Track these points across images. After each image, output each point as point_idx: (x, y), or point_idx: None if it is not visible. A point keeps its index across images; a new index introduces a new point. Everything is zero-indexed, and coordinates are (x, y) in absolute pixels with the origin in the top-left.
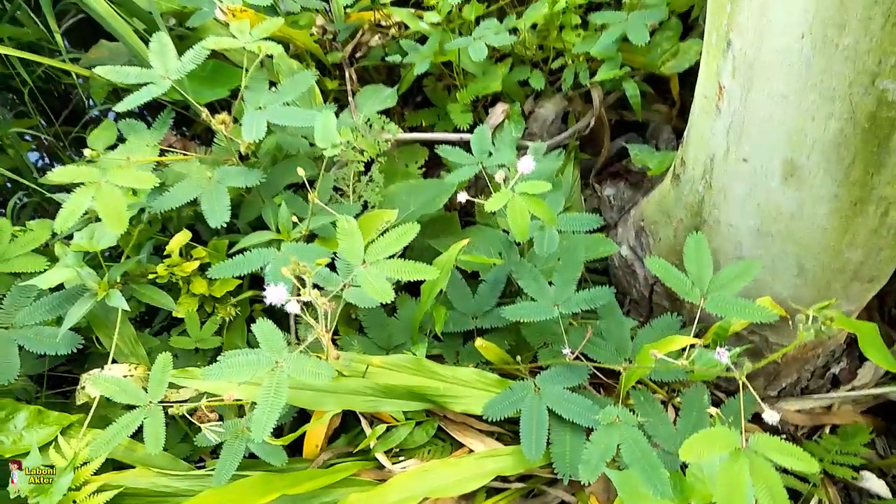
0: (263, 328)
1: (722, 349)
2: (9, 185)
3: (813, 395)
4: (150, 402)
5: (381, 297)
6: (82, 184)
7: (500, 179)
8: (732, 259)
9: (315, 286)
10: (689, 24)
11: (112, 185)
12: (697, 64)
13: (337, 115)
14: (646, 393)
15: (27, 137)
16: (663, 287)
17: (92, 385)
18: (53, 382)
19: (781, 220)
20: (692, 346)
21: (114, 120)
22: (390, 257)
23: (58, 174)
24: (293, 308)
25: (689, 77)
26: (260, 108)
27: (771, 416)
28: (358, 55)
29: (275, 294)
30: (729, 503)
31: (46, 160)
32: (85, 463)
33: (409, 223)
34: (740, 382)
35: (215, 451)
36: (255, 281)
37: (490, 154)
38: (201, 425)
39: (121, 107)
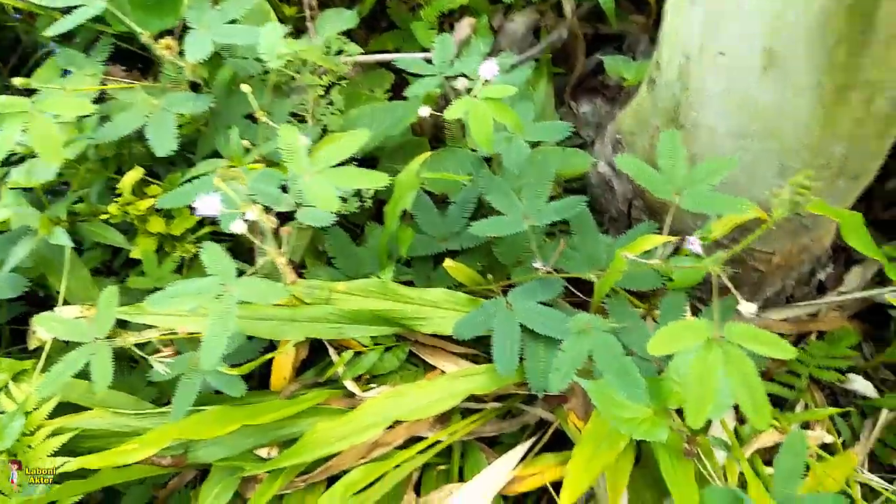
0: (210, 252)
1: (693, 238)
2: None
3: (799, 303)
4: (96, 339)
5: (326, 206)
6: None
7: (461, 87)
8: None
9: (265, 208)
10: None
11: (43, 114)
12: None
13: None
14: (620, 299)
15: None
16: (642, 201)
17: (39, 326)
18: (15, 337)
19: (762, 116)
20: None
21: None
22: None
23: None
24: (239, 228)
25: None
26: (204, 27)
27: (747, 307)
28: None
29: (205, 204)
30: (699, 395)
31: None
32: (37, 408)
33: (359, 132)
34: (714, 276)
35: None
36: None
37: (453, 65)
38: (149, 359)
39: (50, 31)
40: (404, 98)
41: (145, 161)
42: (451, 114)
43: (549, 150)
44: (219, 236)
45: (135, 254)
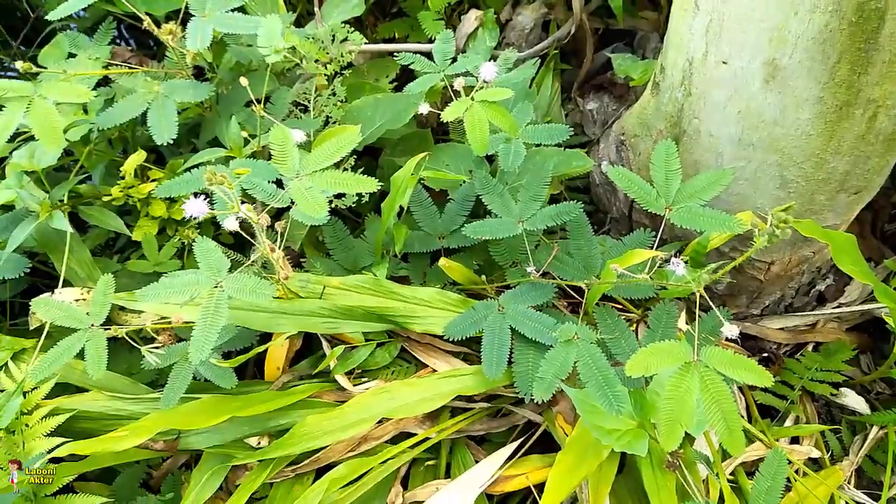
0: (202, 247)
1: (677, 260)
2: None
3: (797, 313)
4: (92, 325)
5: (313, 212)
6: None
7: (459, 87)
8: (714, 170)
9: (260, 203)
10: None
11: (45, 100)
12: None
13: (301, 25)
14: (609, 309)
15: None
16: None
17: (37, 309)
18: (21, 310)
19: (763, 127)
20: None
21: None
22: (332, 168)
23: None
24: (232, 225)
25: None
26: (204, 15)
27: (730, 330)
28: None
29: (193, 207)
30: (674, 418)
31: None
32: (36, 387)
33: (350, 131)
34: (697, 295)
35: None
36: None
37: (455, 61)
38: (142, 349)
39: (53, 15)
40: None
41: (150, 142)
42: (448, 115)
43: (548, 152)
44: (218, 223)
45: (136, 237)
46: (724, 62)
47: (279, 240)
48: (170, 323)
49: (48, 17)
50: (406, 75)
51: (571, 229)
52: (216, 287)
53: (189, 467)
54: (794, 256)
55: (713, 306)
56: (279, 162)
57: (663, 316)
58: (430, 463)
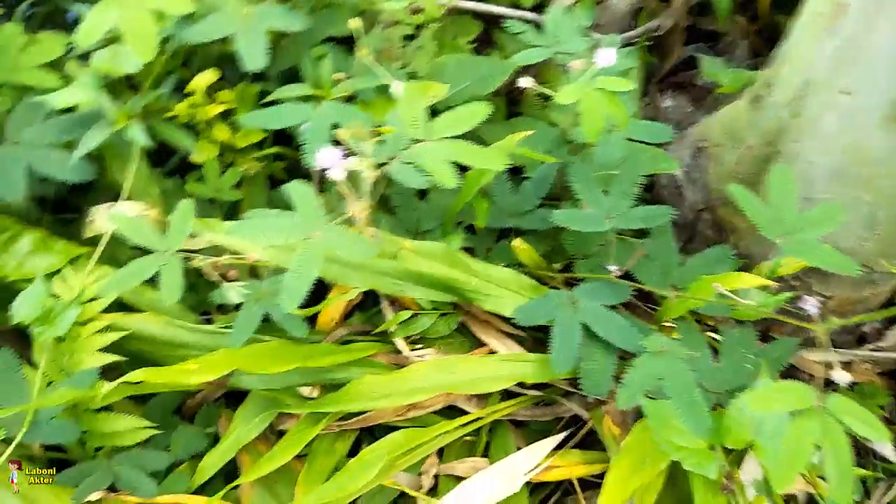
0: (300, 191)
1: (810, 298)
2: None
3: (837, 350)
4: (168, 250)
5: (444, 181)
6: None
7: (577, 68)
8: (800, 199)
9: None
10: None
11: (141, 5)
12: None
13: None
14: (692, 325)
15: None
16: (711, 216)
17: (107, 220)
18: (56, 207)
19: (866, 164)
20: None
21: None
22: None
23: None
24: (337, 175)
25: None
26: None
27: (841, 376)
28: None
29: (326, 157)
30: (790, 461)
31: None
32: (92, 299)
33: (477, 102)
34: (825, 337)
35: (221, 308)
36: (279, 136)
37: (560, 40)
38: (224, 283)
39: None
40: (487, 53)
41: (212, 60)
42: (563, 98)
43: (640, 148)
44: (277, 157)
45: (197, 159)
46: (846, 92)
47: (368, 195)
48: (243, 258)
49: None
50: (482, 38)
51: (655, 233)
52: (313, 236)
53: (221, 399)
54: (854, 295)
55: (831, 353)
56: (405, 119)
57: (743, 339)
58: (467, 439)
